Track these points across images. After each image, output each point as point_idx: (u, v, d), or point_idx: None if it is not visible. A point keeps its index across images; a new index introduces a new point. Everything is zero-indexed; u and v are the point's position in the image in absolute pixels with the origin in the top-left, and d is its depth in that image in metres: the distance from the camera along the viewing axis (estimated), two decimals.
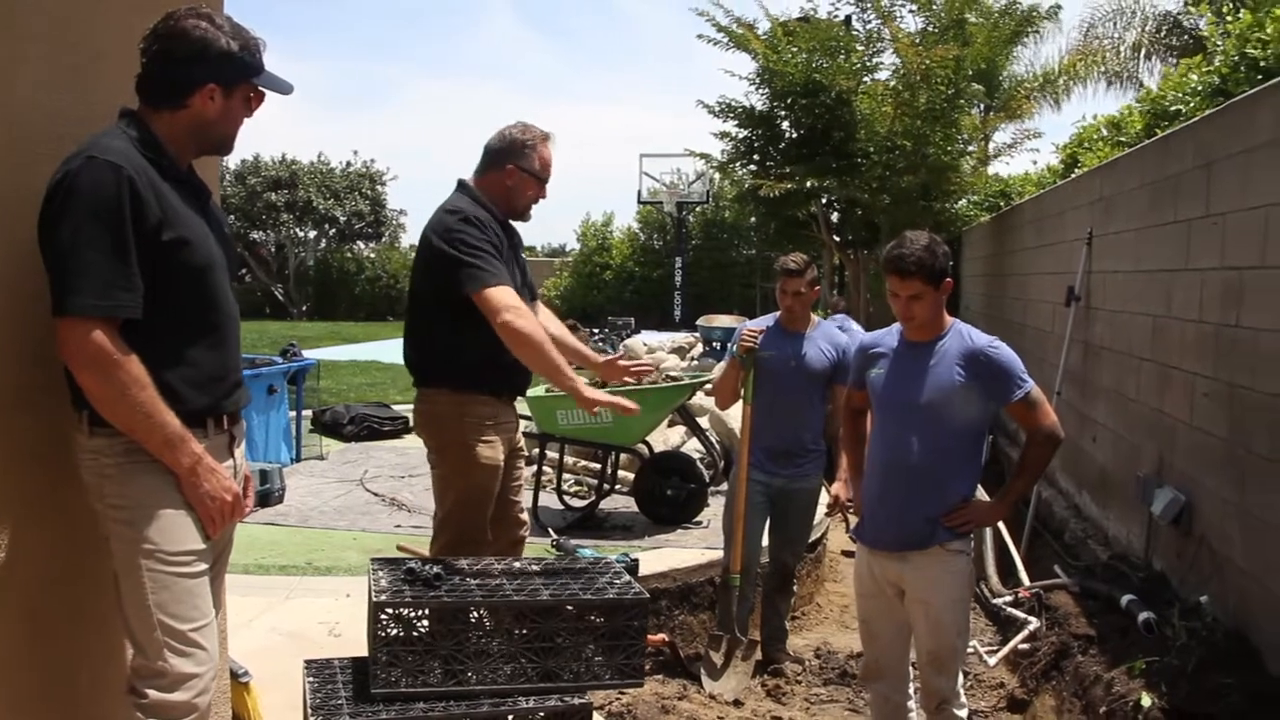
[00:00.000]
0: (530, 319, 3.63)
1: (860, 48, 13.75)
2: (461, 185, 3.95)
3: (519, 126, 3.94)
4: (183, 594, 2.39)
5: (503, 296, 3.59)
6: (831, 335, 5.31)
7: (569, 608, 3.24)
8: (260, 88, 2.55)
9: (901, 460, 3.57)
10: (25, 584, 2.50)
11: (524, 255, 4.11)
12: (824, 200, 14.62)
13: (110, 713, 2.44)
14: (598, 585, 3.36)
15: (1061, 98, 20.11)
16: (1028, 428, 3.57)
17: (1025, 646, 5.41)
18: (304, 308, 37.09)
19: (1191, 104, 6.50)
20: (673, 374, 10.65)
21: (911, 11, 13.88)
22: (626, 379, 4.20)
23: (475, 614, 3.18)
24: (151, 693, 2.36)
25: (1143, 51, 18.98)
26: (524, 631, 3.18)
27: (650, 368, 4.26)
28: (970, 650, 5.44)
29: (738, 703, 5.02)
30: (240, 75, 2.48)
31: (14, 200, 2.36)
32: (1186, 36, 17.31)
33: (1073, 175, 9.05)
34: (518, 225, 4.06)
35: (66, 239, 2.23)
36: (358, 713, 3.02)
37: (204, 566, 2.46)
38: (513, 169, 3.87)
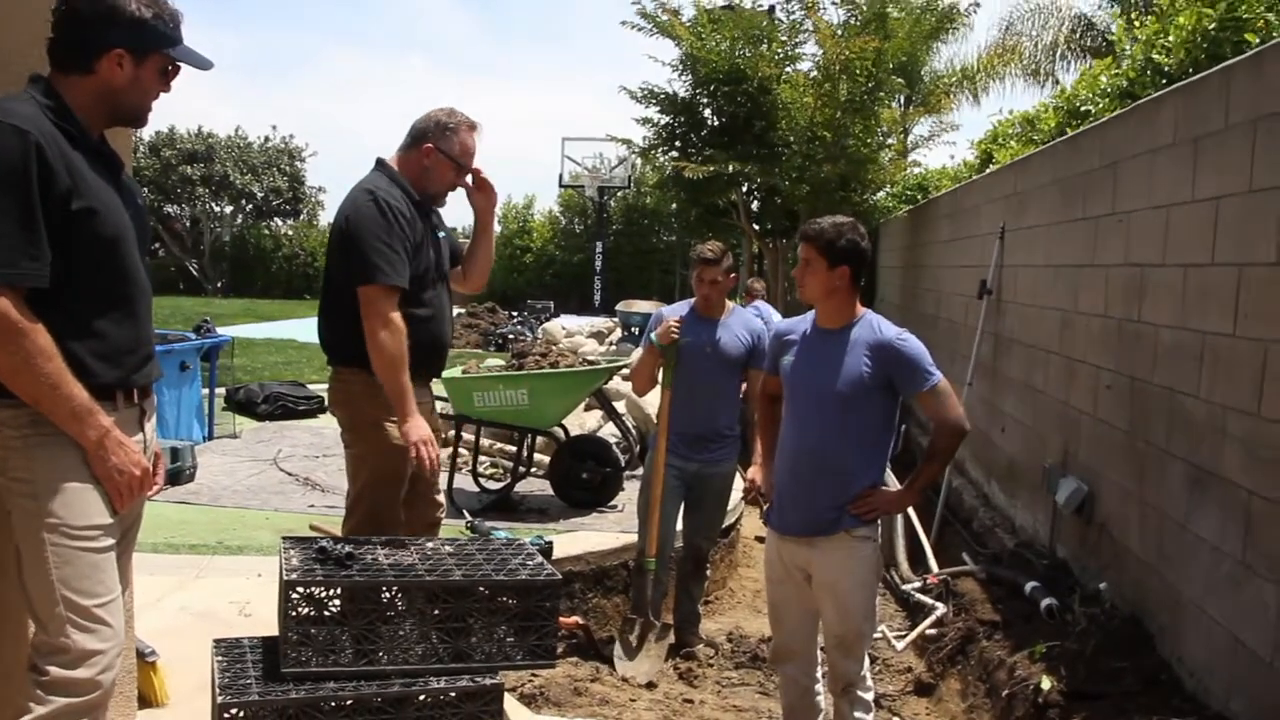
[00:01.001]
0: (398, 335, 3.60)
1: (783, 37, 13.84)
2: (379, 164, 3.89)
3: (446, 110, 3.89)
4: (88, 569, 2.35)
5: (382, 300, 3.58)
6: (747, 321, 5.37)
7: (481, 589, 3.24)
8: (176, 60, 2.50)
9: (809, 447, 3.63)
10: None
11: (442, 234, 4.07)
12: (744, 188, 14.71)
13: (10, 694, 2.38)
14: (510, 566, 3.36)
15: (980, 93, 20.51)
16: (935, 419, 3.64)
17: (933, 632, 5.54)
18: (219, 284, 36.42)
19: (1101, 104, 6.67)
20: (589, 358, 10.66)
21: (835, 3, 14.03)
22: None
23: (387, 594, 3.17)
24: (53, 669, 2.31)
25: (1058, 51, 19.42)
26: (436, 612, 3.18)
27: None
28: (879, 635, 5.56)
29: (650, 685, 5.06)
30: (151, 44, 2.43)
31: None
32: (1100, 39, 17.75)
33: (988, 170, 9.22)
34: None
35: None
36: (267, 692, 2.99)
37: (110, 541, 2.43)
38: (430, 149, 3.82)
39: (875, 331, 3.58)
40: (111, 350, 2.42)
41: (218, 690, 3.00)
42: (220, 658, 3.25)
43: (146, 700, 3.54)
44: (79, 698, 2.33)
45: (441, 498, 4.19)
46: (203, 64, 2.55)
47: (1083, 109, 7.11)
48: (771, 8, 14.41)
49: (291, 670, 3.04)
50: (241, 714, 2.95)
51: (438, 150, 3.83)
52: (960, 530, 7.44)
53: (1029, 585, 5.24)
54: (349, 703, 3.04)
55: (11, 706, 2.36)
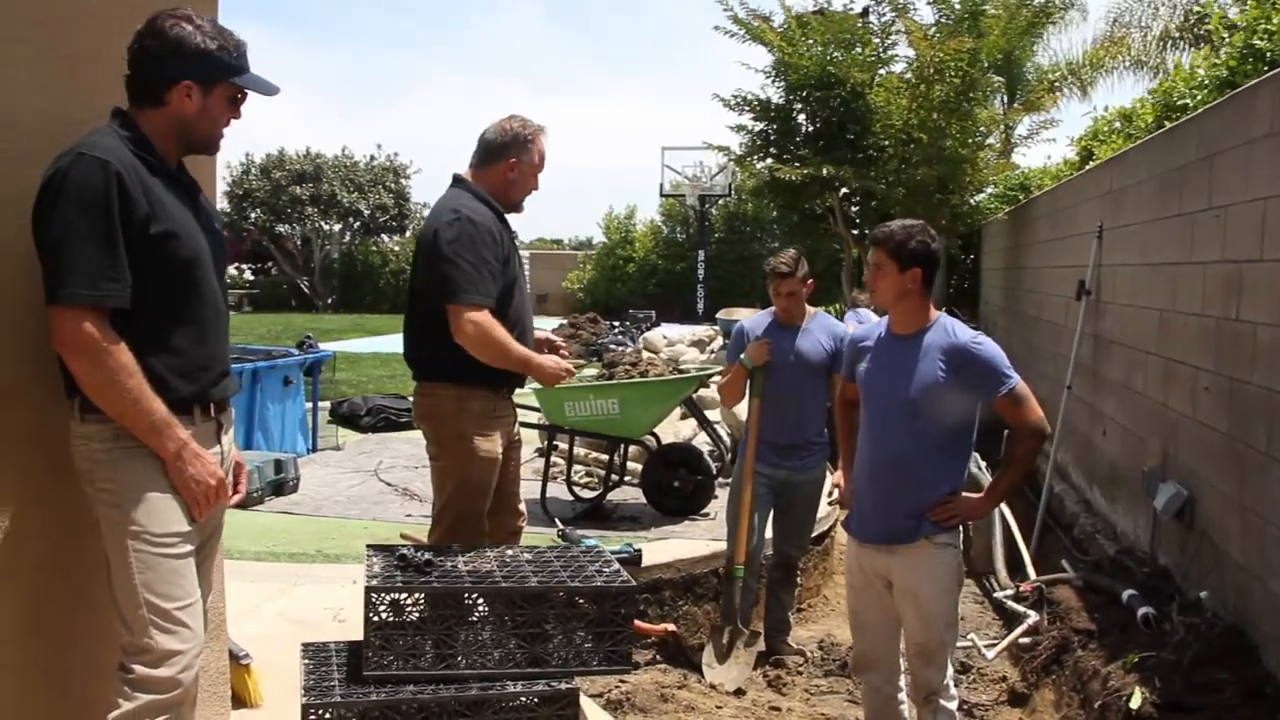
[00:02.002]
0: (495, 329, 3.69)
1: (875, 40, 13.72)
2: (460, 181, 3.96)
3: (517, 120, 3.96)
4: (168, 574, 2.46)
5: (473, 314, 3.65)
6: (829, 326, 5.34)
7: (557, 595, 3.29)
8: (243, 88, 2.61)
9: (886, 454, 3.60)
10: (26, 566, 2.60)
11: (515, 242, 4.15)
12: (840, 193, 14.61)
13: (103, 692, 2.51)
14: (586, 573, 3.41)
15: (1088, 87, 19.97)
16: (1014, 423, 3.58)
17: (1026, 641, 5.43)
18: (329, 300, 37.33)
19: (1199, 96, 6.49)
20: (680, 367, 10.68)
21: (929, 3, 13.87)
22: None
23: (468, 599, 3.24)
24: (138, 668, 2.44)
25: (1169, 41, 18.86)
26: (513, 618, 3.24)
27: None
28: (969, 644, 5.47)
29: (739, 692, 5.06)
30: (217, 74, 2.54)
31: (11, 198, 2.43)
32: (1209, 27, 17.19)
33: (1087, 168, 9.02)
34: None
35: (57, 232, 2.31)
36: (349, 694, 3.09)
37: (189, 548, 2.54)
38: (515, 162, 3.90)
39: (950, 335, 3.54)
40: (189, 366, 2.54)
41: (304, 692, 3.11)
42: (307, 660, 3.36)
43: (241, 701, 3.67)
44: (161, 695, 2.45)
45: (523, 507, 4.26)
46: (268, 90, 2.65)
47: (1180, 102, 6.92)
48: (865, 10, 14.29)
49: (373, 673, 3.12)
50: (326, 715, 3.05)
51: (521, 163, 3.92)
52: (1061, 537, 7.29)
53: (1126, 593, 5.10)
54: (428, 706, 3.12)
55: (104, 703, 2.48)
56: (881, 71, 13.61)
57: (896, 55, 13.91)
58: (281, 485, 7.41)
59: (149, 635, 2.43)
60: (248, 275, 41.01)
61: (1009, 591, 6.03)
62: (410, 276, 4.06)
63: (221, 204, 36.28)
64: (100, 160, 2.34)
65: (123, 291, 2.37)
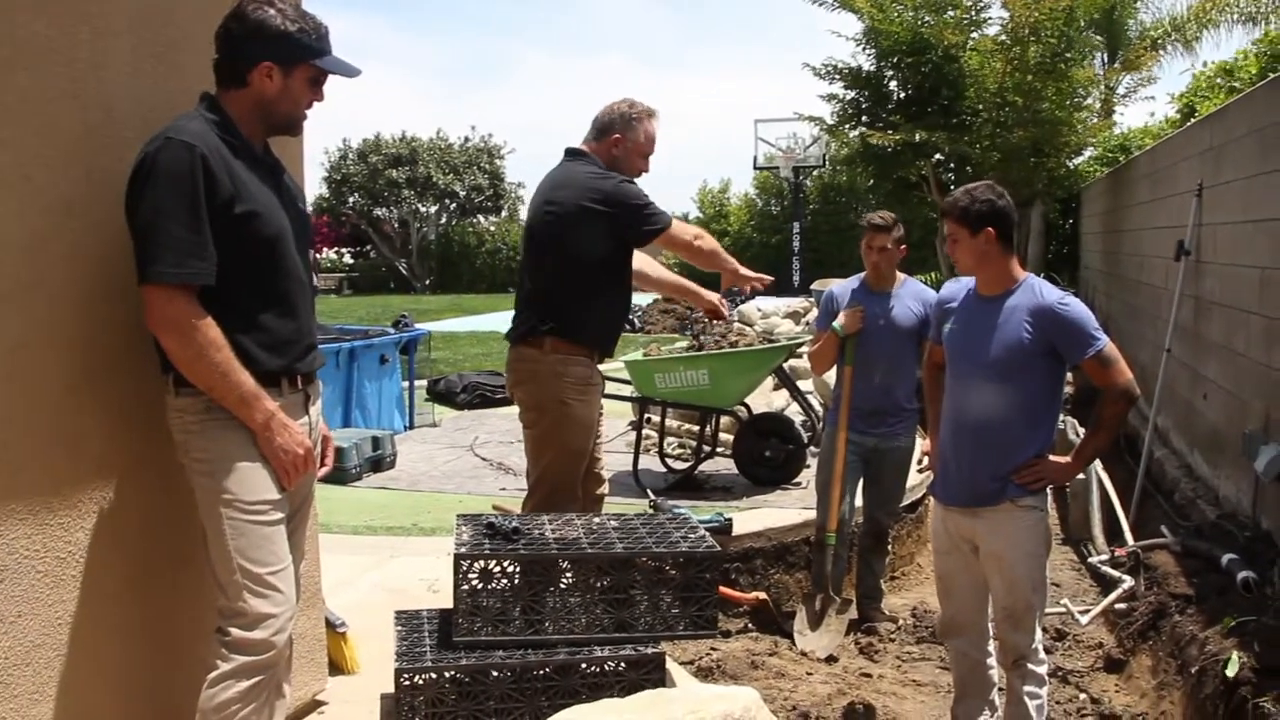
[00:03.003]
0: (711, 238, 4.32)
1: (967, 2, 13.44)
2: (579, 153, 4.13)
3: (626, 101, 4.13)
4: (260, 540, 2.57)
5: (683, 226, 4.16)
6: (919, 292, 5.29)
7: (642, 560, 3.34)
8: (324, 70, 2.69)
9: (970, 417, 3.57)
10: (132, 531, 2.75)
11: None
12: (934, 159, 14.37)
13: (205, 652, 2.64)
14: (671, 539, 3.45)
15: (1193, 42, 19.30)
16: (1102, 385, 3.52)
17: (1122, 607, 5.34)
18: (427, 281, 37.90)
19: None
20: (770, 337, 10.64)
21: None
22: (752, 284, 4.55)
23: (556, 564, 3.30)
24: (234, 630, 2.56)
25: None
26: (600, 584, 3.30)
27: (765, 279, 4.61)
28: (1063, 610, 5.40)
29: (831, 659, 5.07)
30: (298, 55, 2.62)
31: (111, 183, 2.55)
32: None
33: (1186, 125, 8.76)
34: None
35: (147, 214, 2.42)
36: (440, 659, 3.18)
37: (280, 515, 2.64)
38: (619, 139, 4.06)
39: (1036, 296, 3.49)
40: (275, 341, 2.64)
41: (396, 658, 3.21)
42: (400, 627, 3.47)
43: (338, 668, 3.80)
44: (256, 656, 2.57)
45: (605, 473, 4.34)
46: (349, 72, 2.73)
47: None
48: None
49: (463, 639, 3.21)
50: (417, 679, 3.15)
51: (625, 140, 4.05)
52: (1161, 503, 7.12)
53: (1226, 558, 4.98)
54: (516, 670, 3.20)
55: (204, 664, 2.61)
56: (974, 34, 13.32)
57: (990, 17, 13.61)
58: (379, 461, 7.59)
59: (243, 599, 2.55)
60: (347, 259, 41.82)
61: (1104, 557, 5.93)
62: (525, 249, 4.20)
63: (320, 189, 37.02)
64: (186, 144, 2.43)
65: (209, 270, 2.47)
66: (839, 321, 5.18)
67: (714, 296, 4.56)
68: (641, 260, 4.43)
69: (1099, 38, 13.74)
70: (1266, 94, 5.86)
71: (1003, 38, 13.02)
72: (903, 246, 5.27)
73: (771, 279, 4.68)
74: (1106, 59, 18.24)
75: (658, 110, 4.15)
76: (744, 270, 4.42)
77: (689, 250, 4.17)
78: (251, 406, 2.52)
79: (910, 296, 5.24)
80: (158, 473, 2.77)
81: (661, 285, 4.78)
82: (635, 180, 4.13)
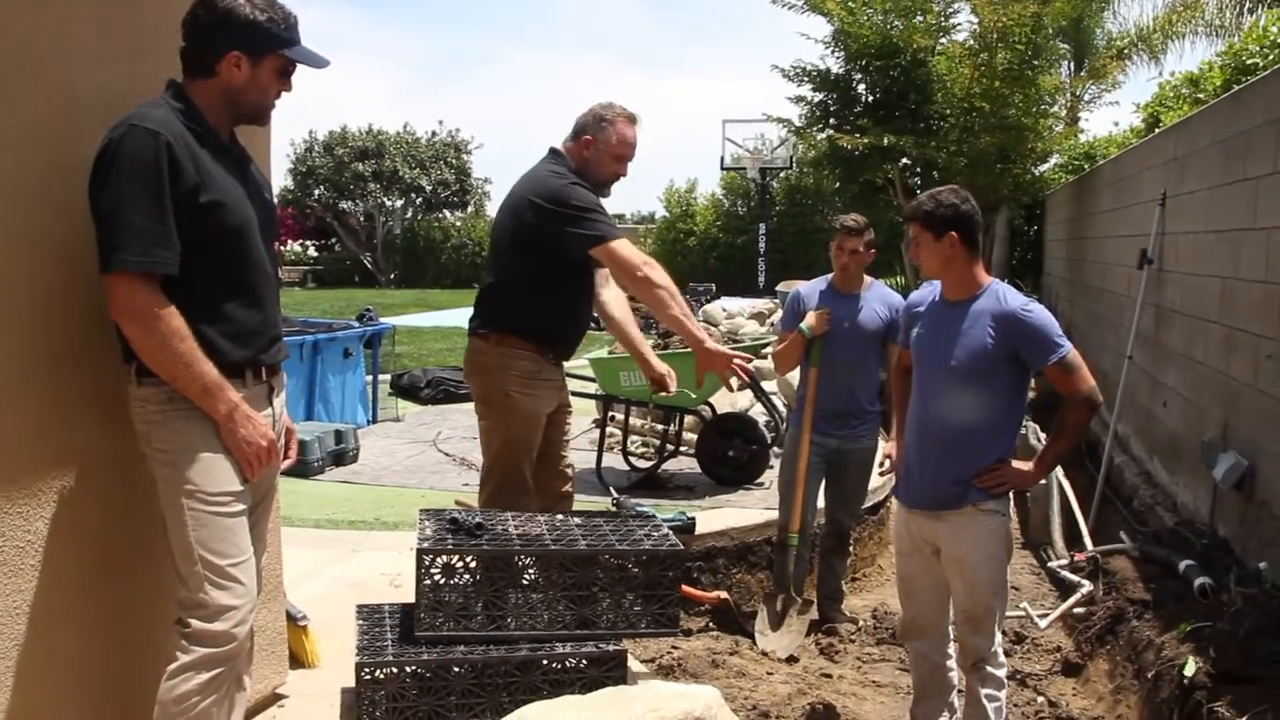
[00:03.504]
0: (655, 268, 3.94)
1: (937, 7, 13.53)
2: (555, 152, 4.13)
3: (604, 104, 4.11)
4: (221, 532, 2.55)
5: (632, 250, 3.91)
6: (885, 296, 5.31)
7: (604, 558, 3.34)
8: (292, 60, 2.66)
9: (934, 420, 3.60)
10: (92, 522, 2.72)
11: None
12: (901, 163, 14.46)
13: (164, 643, 2.61)
14: (635, 537, 3.45)
15: (1158, 54, 19.50)
16: (1065, 392, 3.54)
17: (1081, 611, 5.39)
18: (392, 275, 37.71)
19: (1270, 57, 6.32)
20: (735, 338, 10.67)
21: None
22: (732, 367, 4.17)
23: (519, 561, 3.30)
24: (194, 622, 2.54)
25: (1244, 4, 18.35)
26: (562, 580, 3.29)
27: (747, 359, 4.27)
28: (1022, 613, 5.45)
29: (791, 659, 5.09)
30: (266, 45, 2.60)
31: (74, 171, 2.52)
32: None
33: (1151, 135, 8.86)
34: None
35: (109, 201, 2.39)
36: (401, 653, 3.17)
37: (242, 507, 2.62)
38: (590, 140, 4.04)
39: (1000, 302, 3.51)
40: (239, 331, 2.61)
41: (356, 650, 3.19)
42: (362, 621, 3.45)
43: (299, 661, 3.77)
44: (217, 648, 2.55)
45: (570, 471, 4.33)
46: (318, 63, 2.71)
47: (1250, 63, 6.76)
48: None
49: (425, 634, 3.20)
50: (378, 674, 3.13)
51: (596, 143, 4.03)
52: (1121, 509, 7.20)
53: (1183, 564, 5.05)
54: (478, 665, 3.19)
55: (163, 656, 2.58)
56: (943, 40, 13.41)
57: (959, 23, 13.71)
58: (341, 455, 7.55)
59: (204, 590, 2.53)
60: (311, 252, 41.54)
61: (1064, 562, 5.98)
62: (491, 242, 4.21)
63: (285, 181, 36.85)
64: (150, 131, 2.41)
65: (172, 259, 2.44)
66: (806, 323, 5.19)
67: (663, 369, 4.23)
68: (614, 296, 4.41)
69: (1066, 46, 13.84)
70: (1230, 105, 5.94)
71: (971, 43, 13.12)
72: (872, 250, 5.29)
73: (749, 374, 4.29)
74: (1073, 67, 18.41)
75: (639, 115, 4.12)
76: (711, 347, 4.14)
77: (631, 278, 3.92)
78: (215, 397, 2.50)
79: (876, 300, 5.27)
80: (119, 463, 2.73)
81: (613, 328, 4.51)
82: (608, 185, 4.13)
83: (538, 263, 3.90)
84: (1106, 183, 10.26)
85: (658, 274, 3.92)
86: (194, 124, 2.54)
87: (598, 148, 4.03)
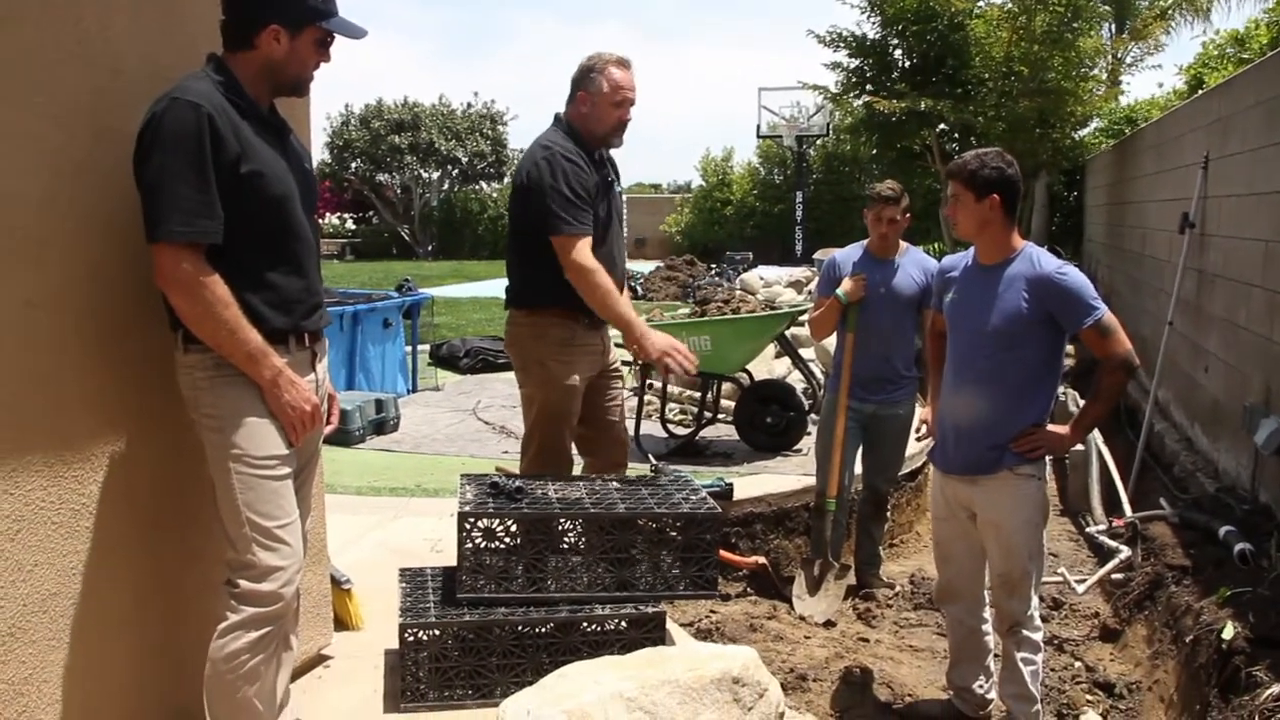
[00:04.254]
0: (599, 274, 3.85)
1: None
2: (556, 119, 4.12)
3: (591, 56, 4.07)
4: (268, 494, 2.61)
5: (576, 247, 3.83)
6: (921, 261, 5.30)
7: (642, 521, 3.38)
8: (330, 31, 2.70)
9: (969, 385, 3.60)
10: (143, 486, 2.79)
11: (618, 189, 4.24)
12: (938, 129, 14.34)
13: (215, 608, 2.68)
14: (673, 500, 3.49)
15: (1204, 12, 19.13)
16: (1101, 355, 3.54)
17: (1119, 577, 5.39)
18: (430, 247, 37.86)
19: None
20: (773, 306, 10.67)
21: None
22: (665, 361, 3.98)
23: (560, 525, 3.35)
24: (243, 583, 2.61)
25: None
26: (602, 543, 3.34)
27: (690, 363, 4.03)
28: (1060, 579, 5.45)
29: (829, 624, 5.13)
30: (304, 17, 2.63)
31: (118, 142, 2.57)
32: None
33: (1194, 97, 8.74)
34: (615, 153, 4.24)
35: (154, 173, 2.44)
36: (443, 615, 3.24)
37: (287, 470, 2.68)
38: (584, 95, 4.01)
39: (1034, 265, 3.51)
40: (282, 299, 2.66)
41: (401, 613, 3.26)
42: (405, 584, 3.53)
43: (343, 624, 3.84)
44: (265, 608, 2.61)
45: (625, 438, 4.37)
46: (356, 33, 2.74)
47: None
48: None
49: (466, 596, 3.27)
50: (421, 635, 3.20)
51: (589, 95, 4.01)
52: (1161, 475, 7.16)
53: (1223, 530, 5.02)
54: (519, 626, 3.25)
55: (212, 616, 2.65)
56: (981, 3, 13.25)
57: None
58: (382, 424, 7.64)
59: (252, 552, 2.59)
60: (349, 225, 41.75)
61: (1102, 527, 5.97)
62: (509, 210, 4.23)
63: (323, 155, 37.05)
64: (192, 104, 2.45)
65: (216, 228, 2.49)
66: (842, 289, 5.18)
67: (660, 347, 3.89)
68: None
69: (1106, 7, 13.66)
70: (1275, 65, 5.85)
71: (1010, 6, 12.96)
72: (907, 215, 5.28)
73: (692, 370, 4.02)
74: (1114, 28, 18.14)
75: (628, 58, 4.07)
76: (655, 339, 3.90)
77: (573, 273, 3.84)
78: (259, 363, 2.55)
79: (912, 265, 5.25)
80: (167, 428, 2.80)
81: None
82: (618, 134, 4.09)
83: (544, 236, 3.90)
84: (1148, 146, 10.13)
85: (602, 281, 3.83)
86: (235, 96, 2.58)
87: (593, 100, 4.00)
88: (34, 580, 2.45)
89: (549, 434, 4.05)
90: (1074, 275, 3.49)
